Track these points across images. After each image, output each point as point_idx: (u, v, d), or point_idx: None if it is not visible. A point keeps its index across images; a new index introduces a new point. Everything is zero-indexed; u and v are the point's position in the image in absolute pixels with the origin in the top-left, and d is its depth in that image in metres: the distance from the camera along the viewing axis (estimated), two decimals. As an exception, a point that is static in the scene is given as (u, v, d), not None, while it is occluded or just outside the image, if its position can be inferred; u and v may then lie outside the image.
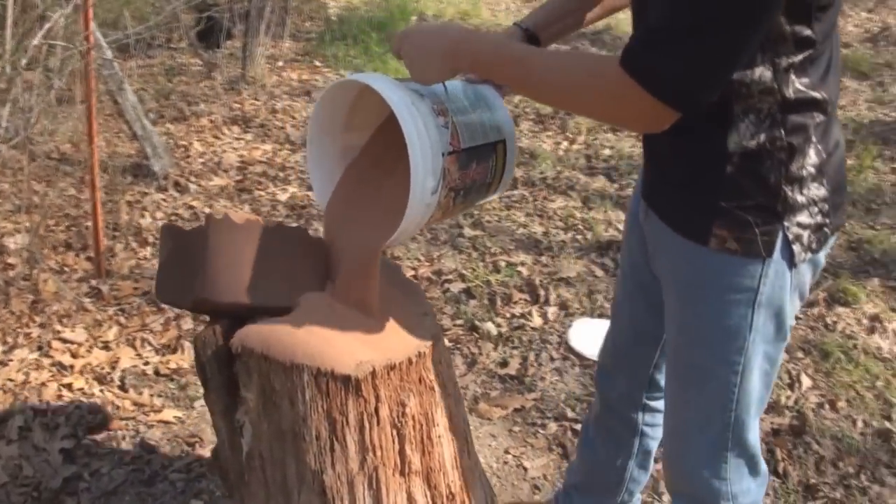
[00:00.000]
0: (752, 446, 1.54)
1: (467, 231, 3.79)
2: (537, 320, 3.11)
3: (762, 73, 1.23)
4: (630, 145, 4.98)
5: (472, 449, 1.67)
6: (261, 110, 5.10)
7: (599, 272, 3.52)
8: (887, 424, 2.69)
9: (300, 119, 5.07)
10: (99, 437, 2.38)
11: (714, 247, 1.35)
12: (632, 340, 1.78)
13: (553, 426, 2.58)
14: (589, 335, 3.00)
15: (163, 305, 2.97)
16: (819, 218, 1.35)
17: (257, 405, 1.43)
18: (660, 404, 1.84)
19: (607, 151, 4.88)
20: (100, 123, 4.24)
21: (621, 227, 3.93)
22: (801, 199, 1.32)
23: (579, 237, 3.85)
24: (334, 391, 1.38)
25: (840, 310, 3.33)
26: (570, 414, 2.63)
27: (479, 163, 1.49)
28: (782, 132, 1.28)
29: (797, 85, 1.25)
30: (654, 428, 1.87)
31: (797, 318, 3.27)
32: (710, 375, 1.46)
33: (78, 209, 3.65)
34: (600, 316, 3.17)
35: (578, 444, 2.05)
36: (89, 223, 3.49)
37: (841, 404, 2.76)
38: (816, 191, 1.33)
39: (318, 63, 6.16)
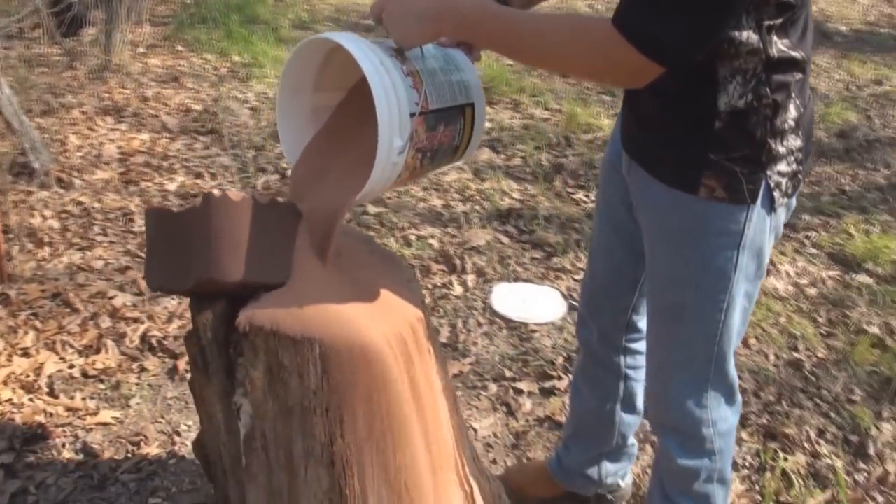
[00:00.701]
0: (730, 377, 1.65)
1: (371, 208, 3.79)
2: (458, 289, 3.16)
3: (749, 35, 1.33)
4: (509, 116, 5.10)
5: (459, 408, 1.71)
6: (131, 99, 4.90)
7: (505, 239, 3.61)
8: (795, 355, 2.91)
9: (173, 106, 4.91)
10: (38, 447, 2.27)
11: (703, 196, 1.45)
12: (610, 286, 1.86)
13: (493, 387, 2.65)
14: (510, 299, 3.08)
15: (78, 304, 2.85)
16: (795, 166, 1.47)
17: (263, 384, 1.42)
18: (640, 346, 1.93)
19: (488, 124, 4.97)
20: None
21: (516, 195, 4.04)
22: (781, 149, 1.43)
23: (478, 207, 3.93)
24: (344, 361, 1.38)
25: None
26: (507, 374, 2.70)
27: (447, 125, 1.51)
28: (768, 90, 1.39)
29: (779, 46, 1.36)
30: (636, 370, 1.97)
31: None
32: (697, 314, 1.56)
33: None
34: (516, 280, 3.26)
35: (569, 397, 2.13)
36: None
37: (752, 341, 2.95)
38: (794, 141, 1.45)
39: (180, 48, 5.97)
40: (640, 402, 2.05)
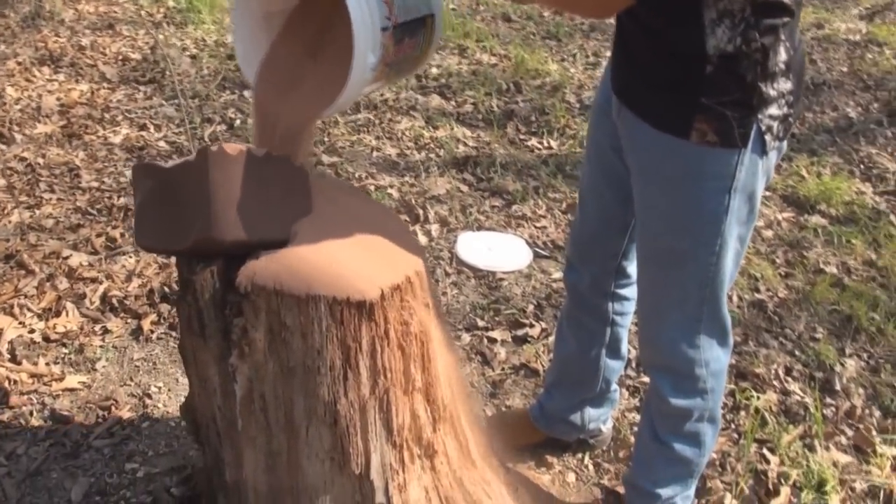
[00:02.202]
0: (723, 318, 1.66)
1: (325, 158, 3.71)
2: (423, 239, 3.12)
3: None
4: (456, 62, 5.02)
5: (457, 360, 1.69)
6: (67, 48, 4.69)
7: (464, 188, 3.57)
8: (758, 296, 2.95)
9: (110, 55, 4.72)
10: (3, 416, 2.18)
11: (695, 140, 1.43)
12: (600, 231, 1.85)
13: (467, 337, 2.63)
14: (476, 247, 3.06)
15: (32, 265, 2.73)
16: (786, 109, 1.46)
17: (263, 345, 1.37)
18: (627, 292, 1.93)
19: (435, 70, 4.89)
20: None
21: (470, 143, 4.00)
22: (773, 93, 1.42)
23: (433, 156, 3.87)
24: (349, 318, 1.34)
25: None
26: (480, 323, 2.69)
27: (411, 37, 1.49)
28: (756, 34, 1.37)
29: None
30: (623, 316, 1.97)
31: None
32: (690, 257, 1.56)
33: None
34: (479, 228, 3.24)
35: (554, 343, 2.12)
36: None
37: (715, 282, 2.99)
38: (784, 85, 1.43)
39: (111, -7, 5.72)
40: (624, 348, 2.06)
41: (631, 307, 1.98)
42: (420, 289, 1.47)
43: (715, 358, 1.71)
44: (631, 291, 1.95)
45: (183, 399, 2.20)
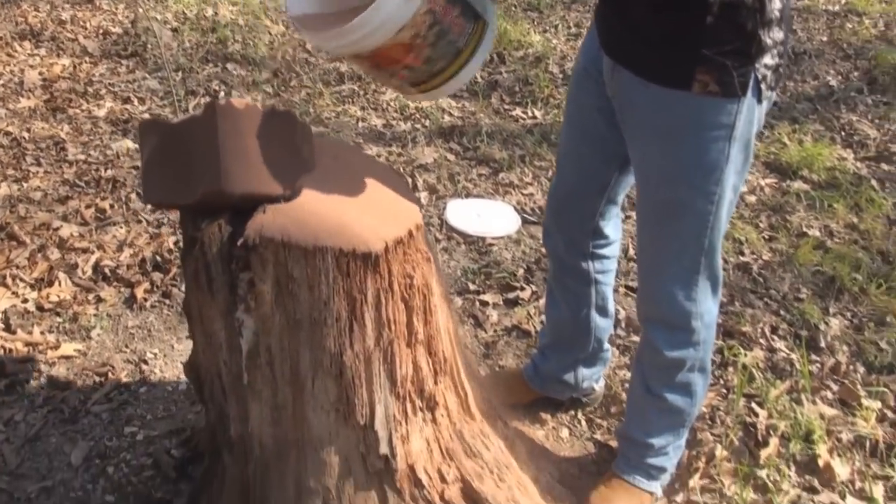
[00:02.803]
0: (717, 268, 1.71)
1: (312, 129, 3.71)
2: (413, 206, 3.14)
3: None
4: (440, 32, 5.02)
5: (455, 315, 1.71)
6: (47, 22, 4.64)
7: (451, 156, 3.59)
8: (742, 258, 3.00)
9: (91, 29, 4.68)
10: (0, 384, 2.19)
11: (697, 91, 1.48)
12: (578, 191, 1.89)
13: (459, 300, 2.66)
14: (465, 214, 3.08)
15: (23, 237, 2.73)
16: (778, 59, 1.50)
17: (270, 297, 1.39)
18: (607, 251, 1.99)
19: (419, 40, 4.88)
20: None
21: (456, 113, 4.01)
22: (769, 41, 1.46)
23: (419, 126, 3.89)
24: (355, 270, 1.37)
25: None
26: (471, 287, 2.72)
27: (462, 16, 1.45)
28: None
29: None
30: (605, 274, 2.01)
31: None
32: (690, 207, 1.60)
33: None
34: (468, 196, 3.26)
35: (545, 307, 2.16)
36: None
37: (701, 246, 3.03)
38: (777, 34, 1.47)
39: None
40: (611, 306, 2.10)
41: (612, 265, 2.03)
42: (421, 242, 1.50)
43: (708, 310, 1.75)
44: (610, 251, 2.00)
45: (180, 365, 2.22)
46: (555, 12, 5.39)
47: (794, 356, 2.51)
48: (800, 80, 4.46)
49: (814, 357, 2.54)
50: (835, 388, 2.43)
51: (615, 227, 1.99)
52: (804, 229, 3.20)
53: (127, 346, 2.38)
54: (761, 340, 2.59)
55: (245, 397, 1.53)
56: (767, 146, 3.79)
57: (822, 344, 2.60)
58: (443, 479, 1.67)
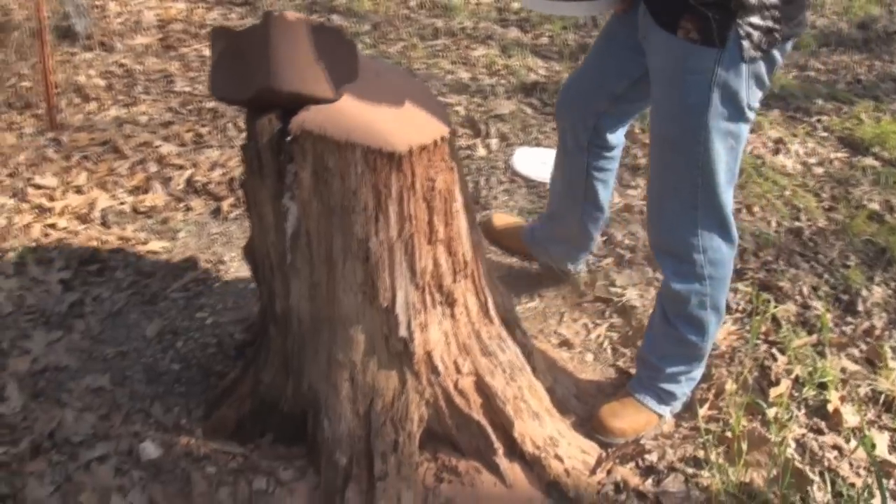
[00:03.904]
0: (720, 209, 1.87)
1: (399, 78, 3.94)
2: (482, 151, 3.35)
3: None
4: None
5: (477, 226, 1.91)
6: (168, -30, 5.01)
7: (529, 110, 3.76)
8: (797, 223, 3.08)
9: (209, -23, 5.03)
10: (92, 268, 2.51)
11: (681, 36, 1.67)
12: (589, 84, 2.13)
13: (511, 237, 2.85)
14: (531, 161, 3.26)
15: (126, 151, 3.06)
16: (770, 23, 1.65)
17: (309, 184, 1.62)
18: (605, 153, 2.23)
19: (516, 5, 5.05)
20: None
21: (541, 72, 4.18)
22: (753, 1, 1.62)
23: (503, 81, 4.07)
24: (380, 166, 1.58)
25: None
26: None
27: None
28: None
29: None
30: (600, 171, 2.26)
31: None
32: (679, 145, 1.79)
33: (9, 72, 3.62)
34: (537, 145, 3.44)
35: (550, 179, 2.45)
36: (24, 83, 3.49)
37: (756, 209, 3.13)
38: None
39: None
40: (603, 201, 2.33)
41: (608, 166, 2.25)
42: (446, 153, 1.70)
43: (714, 247, 1.91)
44: (609, 153, 2.23)
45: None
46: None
47: (829, 316, 2.60)
48: (887, 59, 4.44)
49: (849, 319, 2.62)
50: (864, 347, 2.51)
51: (618, 138, 2.21)
52: (864, 202, 3.25)
53: (208, 249, 2.66)
54: (797, 297, 2.68)
55: (288, 275, 1.77)
56: (843, 122, 3.82)
57: (860, 308, 2.68)
58: (458, 371, 1.88)
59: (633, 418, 2.11)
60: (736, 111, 1.74)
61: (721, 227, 1.90)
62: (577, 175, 2.26)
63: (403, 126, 1.64)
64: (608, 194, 2.32)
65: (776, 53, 1.72)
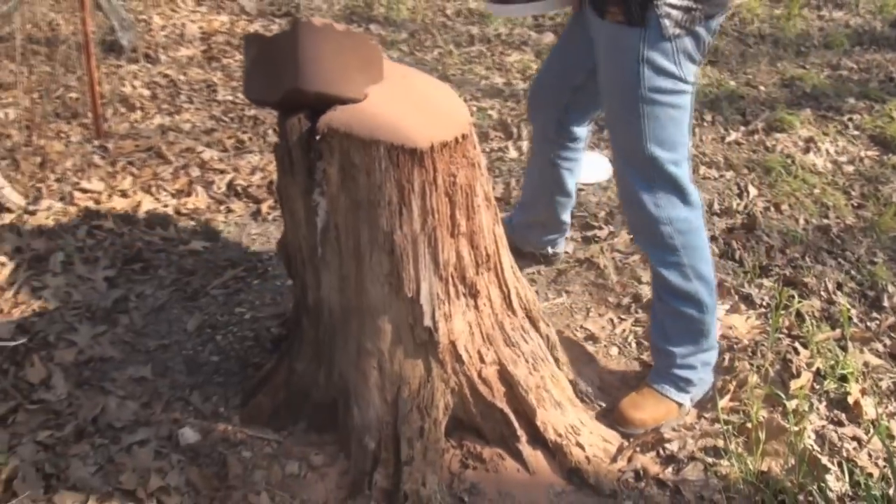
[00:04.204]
0: (675, 179, 1.99)
1: (433, 84, 4.04)
2: (513, 153, 3.43)
3: None
4: (571, 4, 5.23)
5: (500, 220, 1.99)
6: (212, -16, 5.18)
7: (559, 114, 3.83)
8: (825, 221, 3.11)
9: (250, -9, 5.18)
10: (136, 266, 2.63)
11: (609, 20, 1.89)
12: (553, 80, 2.32)
13: (539, 236, 2.92)
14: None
15: (170, 157, 3.19)
16: (689, 2, 1.82)
17: (337, 180, 1.71)
18: (570, 144, 2.41)
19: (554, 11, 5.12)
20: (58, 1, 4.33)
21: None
22: None
23: (536, 86, 4.14)
24: (404, 162, 1.67)
25: (778, 135, 3.73)
26: (552, 226, 2.97)
27: None
28: None
29: None
30: (566, 161, 2.45)
31: (739, 142, 3.67)
32: (621, 118, 1.97)
33: (57, 84, 3.78)
34: (566, 148, 3.50)
35: (526, 169, 2.63)
36: (72, 94, 3.65)
37: (784, 207, 3.17)
38: None
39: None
40: (570, 186, 2.51)
41: (575, 156, 2.44)
42: (467, 150, 1.78)
43: (679, 217, 2.02)
44: (574, 145, 2.41)
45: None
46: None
47: (853, 312, 2.63)
48: (924, 59, 4.44)
49: (874, 315, 2.65)
50: (888, 342, 2.54)
51: (582, 131, 2.40)
52: (894, 199, 3.27)
53: (248, 249, 2.78)
54: (822, 293, 2.72)
55: (318, 267, 1.87)
56: (875, 120, 3.84)
57: (886, 304, 2.70)
58: (482, 360, 1.96)
59: (653, 409, 2.17)
60: (670, 84, 1.90)
61: (681, 196, 2.02)
62: (545, 165, 2.45)
63: (426, 124, 1.73)
64: (574, 181, 2.52)
65: (700, 30, 1.88)
